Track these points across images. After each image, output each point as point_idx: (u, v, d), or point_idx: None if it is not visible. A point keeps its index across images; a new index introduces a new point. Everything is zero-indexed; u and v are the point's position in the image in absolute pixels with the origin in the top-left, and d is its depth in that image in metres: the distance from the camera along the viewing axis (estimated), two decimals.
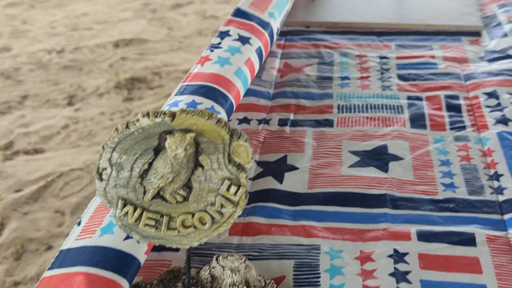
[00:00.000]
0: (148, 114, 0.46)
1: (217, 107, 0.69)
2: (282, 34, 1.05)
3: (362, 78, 0.90)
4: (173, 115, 0.46)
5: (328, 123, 0.80)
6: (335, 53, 0.98)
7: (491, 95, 0.83)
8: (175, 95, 0.71)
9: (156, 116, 0.46)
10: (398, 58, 0.96)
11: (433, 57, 0.95)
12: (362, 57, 0.96)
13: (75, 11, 3.16)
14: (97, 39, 2.88)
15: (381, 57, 0.96)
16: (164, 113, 0.46)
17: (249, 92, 0.87)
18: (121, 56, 2.74)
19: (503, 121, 0.78)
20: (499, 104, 0.81)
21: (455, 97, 0.85)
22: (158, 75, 2.62)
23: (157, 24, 3.03)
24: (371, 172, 0.70)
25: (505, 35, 0.99)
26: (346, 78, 0.91)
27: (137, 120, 0.46)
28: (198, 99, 0.69)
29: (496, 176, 0.69)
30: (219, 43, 0.79)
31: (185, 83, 0.72)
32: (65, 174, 2.08)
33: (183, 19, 3.07)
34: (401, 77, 0.90)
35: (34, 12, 3.19)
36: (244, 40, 0.81)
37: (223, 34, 0.81)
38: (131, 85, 2.57)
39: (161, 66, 2.67)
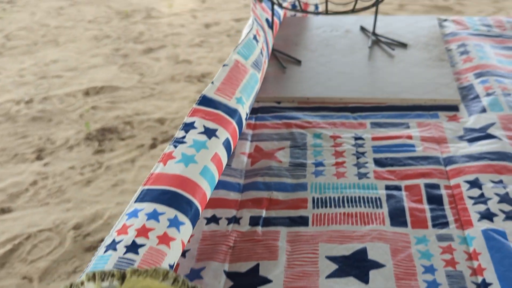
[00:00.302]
0: (94, 277, 0.40)
1: (181, 217, 0.64)
2: (253, 111, 1.00)
3: (337, 164, 0.85)
4: (122, 277, 0.40)
5: (303, 221, 0.75)
6: (308, 134, 0.93)
7: (474, 183, 0.79)
8: (135, 201, 0.65)
9: (103, 280, 0.40)
10: (373, 139, 0.91)
11: (410, 137, 0.91)
12: (336, 138, 0.91)
13: (45, 58, 3.10)
14: (67, 88, 2.82)
15: (356, 138, 0.91)
16: (113, 275, 0.40)
17: (218, 184, 0.82)
18: (91, 105, 2.68)
19: (488, 216, 0.73)
20: (482, 195, 0.77)
21: (436, 186, 0.80)
22: (130, 125, 2.56)
23: (129, 70, 2.98)
24: (351, 283, 0.65)
25: (484, 110, 0.95)
26: (321, 164, 0.86)
27: (82, 284, 0.40)
28: (160, 207, 0.64)
29: (484, 285, 0.64)
30: (183, 137, 0.73)
31: (146, 187, 0.66)
32: (33, 236, 2.00)
33: (155, 64, 3.02)
34: (378, 162, 0.85)
35: (3, 59, 3.12)
36: (210, 132, 0.75)
37: (188, 127, 0.76)
38: (102, 136, 2.51)
39: (133, 114, 2.62)
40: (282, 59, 1.15)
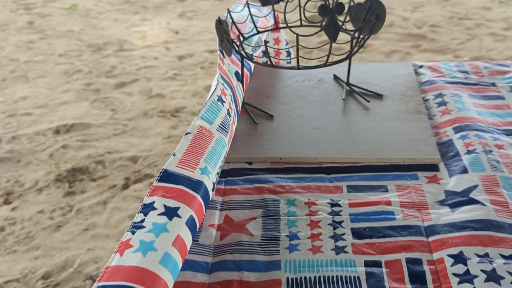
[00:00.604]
0: None
1: None
2: (223, 174, 0.94)
3: (313, 236, 0.80)
4: None
5: None
6: (281, 201, 0.87)
7: (458, 258, 0.74)
8: None
9: None
10: (351, 205, 0.86)
11: (389, 203, 0.85)
12: (311, 205, 0.86)
13: (14, 94, 3.02)
14: (36, 126, 2.74)
15: (333, 205, 0.86)
16: None
17: (184, 264, 0.76)
18: (62, 144, 2.60)
19: None
20: (468, 272, 0.71)
21: (418, 261, 0.75)
22: (102, 164, 2.49)
23: (100, 106, 2.91)
24: None
25: (465, 170, 0.90)
26: (295, 237, 0.80)
27: None
28: None
29: None
30: (142, 221, 0.67)
31: (101, 284, 0.60)
32: None
33: (127, 99, 2.96)
34: (356, 234, 0.80)
35: None
36: (171, 212, 0.69)
37: (147, 208, 0.70)
38: (72, 177, 2.43)
39: (105, 153, 2.54)
40: (253, 113, 1.10)
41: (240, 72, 1.09)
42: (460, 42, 3.25)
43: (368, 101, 1.11)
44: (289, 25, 1.18)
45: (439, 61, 1.34)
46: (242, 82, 1.09)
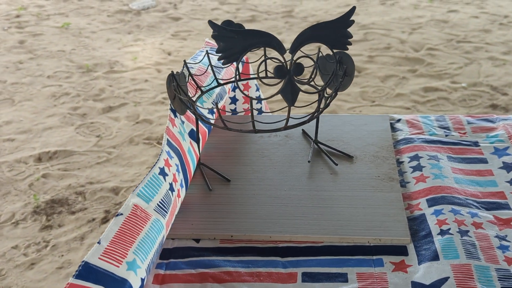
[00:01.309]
0: None
1: None
2: (165, 255, 0.84)
3: None
4: None
5: None
6: None
7: None
8: None
9: None
10: None
11: None
12: None
13: None
14: (18, 153, 2.65)
15: None
16: None
17: None
18: (42, 173, 2.51)
19: None
20: None
21: None
22: (82, 195, 2.39)
23: (85, 132, 2.82)
24: None
25: (436, 256, 0.80)
26: None
27: None
28: None
29: None
30: None
31: None
32: None
33: (114, 125, 2.87)
34: None
35: None
36: None
37: None
38: (50, 209, 2.34)
39: (86, 183, 2.45)
40: (209, 176, 1.00)
41: (196, 129, 0.99)
42: (458, 67, 3.15)
43: (336, 164, 1.01)
44: (252, 76, 1.08)
45: (418, 114, 1.23)
46: (198, 142, 0.99)
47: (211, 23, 0.83)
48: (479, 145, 1.06)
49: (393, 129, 1.13)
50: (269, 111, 1.31)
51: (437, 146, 1.05)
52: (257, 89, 1.29)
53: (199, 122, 0.98)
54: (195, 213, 0.91)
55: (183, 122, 0.98)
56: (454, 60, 3.25)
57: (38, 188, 2.42)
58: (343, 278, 0.79)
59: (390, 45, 3.51)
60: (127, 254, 0.69)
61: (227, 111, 1.27)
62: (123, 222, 0.72)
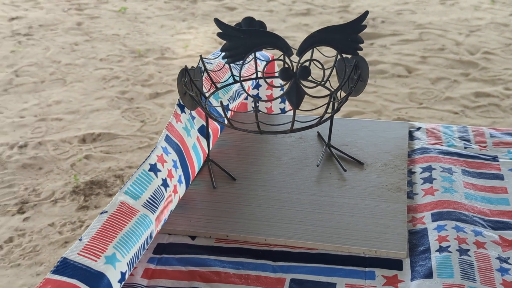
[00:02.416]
0: None
1: None
2: (159, 249, 0.85)
3: None
4: None
5: None
6: None
7: None
8: None
9: None
10: None
11: None
12: None
13: (49, 98, 3.02)
14: (63, 133, 2.72)
15: None
16: None
17: None
18: (85, 154, 2.57)
19: None
20: None
21: None
22: (120, 179, 2.44)
23: (131, 116, 2.87)
24: None
25: (430, 273, 0.77)
26: None
27: None
28: None
29: None
30: None
31: None
32: None
33: (159, 111, 2.91)
34: None
35: (7, 97, 3.05)
36: None
37: None
38: (89, 190, 2.39)
39: (125, 167, 2.50)
40: (216, 173, 1.00)
41: (205, 126, 0.99)
42: None
43: (345, 170, 0.99)
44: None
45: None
46: (207, 139, 0.99)
47: (217, 21, 0.82)
48: (498, 160, 1.02)
49: (412, 137, 1.10)
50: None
51: (453, 158, 1.02)
52: (282, 89, 1.28)
53: (208, 121, 0.98)
54: (195, 210, 0.92)
55: (193, 118, 0.98)
56: (510, 66, 3.13)
57: (79, 169, 2.48)
58: (332, 287, 0.77)
59: (445, 46, 3.42)
60: (106, 248, 0.70)
61: (249, 110, 1.26)
62: (106, 219, 0.73)
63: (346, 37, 0.85)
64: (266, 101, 0.86)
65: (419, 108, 2.82)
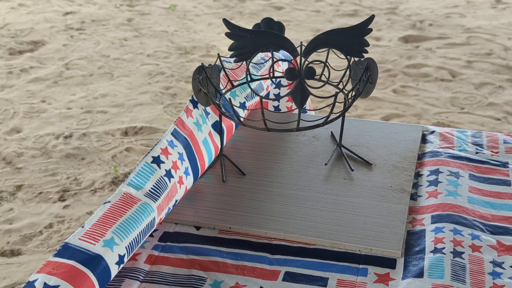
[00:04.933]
0: None
1: None
2: (164, 237, 0.89)
3: None
4: None
5: None
6: (208, 280, 0.81)
7: None
8: None
9: None
10: None
11: None
12: None
13: (95, 91, 3.13)
14: (107, 125, 2.81)
15: None
16: None
17: None
18: (126, 146, 2.65)
19: None
20: None
21: None
22: None
23: (173, 112, 2.94)
24: None
25: (421, 273, 0.79)
26: None
27: None
28: None
29: None
30: None
31: None
32: None
33: None
34: None
35: (56, 89, 3.17)
36: None
37: (28, 286, 0.67)
38: None
39: None
40: (228, 167, 1.04)
41: (222, 124, 1.03)
42: None
43: (352, 170, 1.01)
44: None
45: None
46: (220, 134, 1.03)
47: (225, 21, 0.86)
48: (508, 166, 1.02)
49: (424, 140, 1.11)
50: (312, 109, 1.32)
51: (463, 162, 1.02)
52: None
53: (221, 117, 1.02)
54: (202, 202, 0.95)
55: (207, 114, 1.02)
56: None
57: (120, 160, 2.56)
58: (323, 282, 0.80)
59: (492, 51, 3.36)
60: (105, 233, 0.74)
61: (269, 109, 1.29)
62: (108, 208, 0.78)
63: (352, 40, 0.87)
64: (271, 99, 0.89)
65: (460, 113, 2.79)
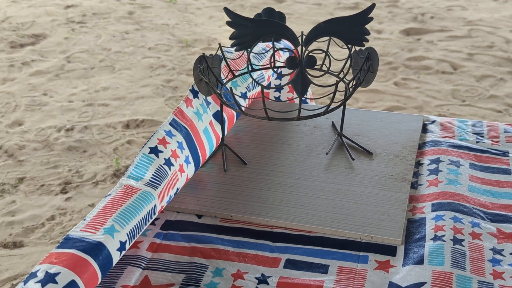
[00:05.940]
0: None
1: None
2: (166, 225, 0.90)
3: None
4: None
5: None
6: (209, 267, 0.81)
7: None
8: None
9: None
10: (279, 285, 0.78)
11: None
12: (237, 278, 0.79)
13: (97, 84, 3.13)
14: (109, 118, 2.82)
15: (260, 281, 0.79)
16: None
17: None
18: (128, 139, 2.65)
19: None
20: None
21: None
22: None
23: (174, 104, 2.94)
24: None
25: (421, 260, 0.79)
26: None
27: None
28: None
29: None
30: None
31: None
32: None
33: None
34: None
35: (58, 82, 3.17)
36: (48, 278, 0.66)
37: (29, 277, 0.68)
38: None
39: None
40: (230, 157, 1.04)
41: (223, 113, 1.03)
42: None
43: (353, 159, 1.02)
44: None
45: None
46: (222, 124, 1.03)
47: (226, 10, 0.86)
48: (508, 155, 1.02)
49: (425, 130, 1.11)
50: (313, 98, 1.32)
51: (463, 152, 1.03)
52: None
53: (222, 107, 1.02)
54: (204, 191, 0.96)
55: (208, 104, 1.02)
56: None
57: (121, 153, 2.56)
58: (324, 269, 0.81)
59: (494, 44, 3.36)
60: (106, 222, 0.75)
61: (270, 99, 1.29)
62: (109, 200, 0.79)
63: (352, 28, 0.87)
64: (271, 88, 0.89)
65: (462, 106, 2.79)
